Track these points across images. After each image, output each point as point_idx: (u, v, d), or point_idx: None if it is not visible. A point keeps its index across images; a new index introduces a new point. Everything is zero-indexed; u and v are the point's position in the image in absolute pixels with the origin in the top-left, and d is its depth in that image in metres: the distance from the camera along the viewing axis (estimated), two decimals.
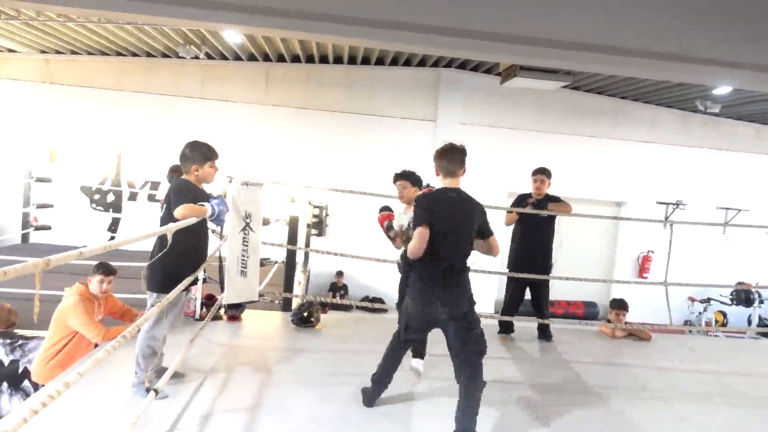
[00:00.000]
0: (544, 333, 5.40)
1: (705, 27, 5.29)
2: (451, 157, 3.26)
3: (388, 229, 4.54)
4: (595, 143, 10.89)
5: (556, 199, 5.31)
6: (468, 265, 3.19)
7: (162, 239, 3.16)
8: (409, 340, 3.39)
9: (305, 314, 4.98)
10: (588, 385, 4.29)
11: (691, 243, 10.69)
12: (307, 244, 8.99)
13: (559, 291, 10.84)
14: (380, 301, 10.00)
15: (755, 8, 5.16)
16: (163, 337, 3.37)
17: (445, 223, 3.09)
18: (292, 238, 5.58)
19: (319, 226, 9.73)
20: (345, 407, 3.49)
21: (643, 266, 10.71)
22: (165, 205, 3.37)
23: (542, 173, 5.30)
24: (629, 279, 10.69)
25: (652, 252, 10.84)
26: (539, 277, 5.13)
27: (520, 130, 10.63)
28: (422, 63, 10.29)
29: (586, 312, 10.68)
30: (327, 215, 10.14)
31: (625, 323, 5.83)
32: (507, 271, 5.36)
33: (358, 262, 9.98)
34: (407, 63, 10.35)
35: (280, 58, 10.17)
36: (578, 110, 10.84)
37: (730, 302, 10.12)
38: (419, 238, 3.03)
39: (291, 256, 5.61)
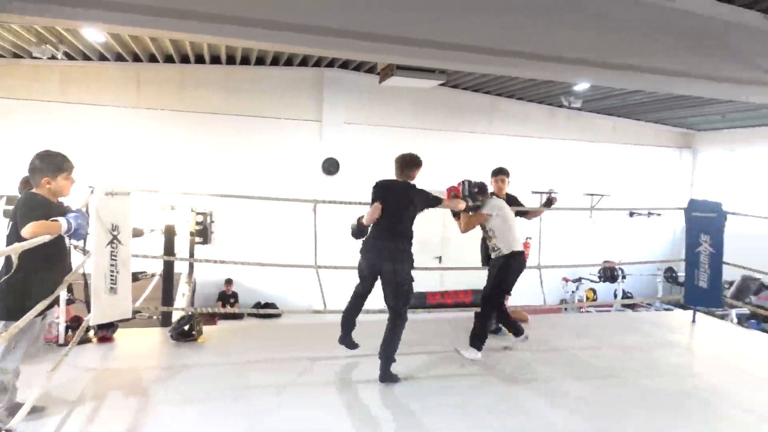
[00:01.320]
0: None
1: (566, 29, 5.73)
2: (400, 164, 4.38)
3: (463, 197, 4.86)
4: (473, 138, 11.40)
5: (515, 198, 5.79)
6: (405, 234, 4.20)
7: (8, 261, 2.84)
8: (362, 283, 4.34)
9: (186, 328, 4.73)
10: (473, 369, 4.47)
11: (563, 228, 11.55)
12: (191, 254, 8.57)
13: (447, 281, 11.24)
14: (273, 306, 9.80)
15: (607, 14, 5.66)
16: (14, 369, 3.03)
17: (389, 203, 4.24)
18: (170, 248, 5.28)
19: (203, 233, 9.30)
20: (229, 423, 3.36)
21: (526, 251, 11.42)
22: (11, 223, 3.03)
23: (502, 173, 5.74)
24: None
25: (530, 238, 11.56)
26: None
27: (403, 127, 10.87)
28: (304, 63, 10.18)
29: (473, 300, 11.15)
30: (212, 222, 9.73)
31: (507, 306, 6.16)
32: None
33: (248, 268, 9.69)
34: (288, 63, 10.19)
35: (152, 58, 9.59)
36: (456, 107, 11.29)
37: (598, 279, 11.07)
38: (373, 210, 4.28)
39: (169, 267, 5.31)
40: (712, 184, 12.84)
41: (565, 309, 10.21)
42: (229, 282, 10.06)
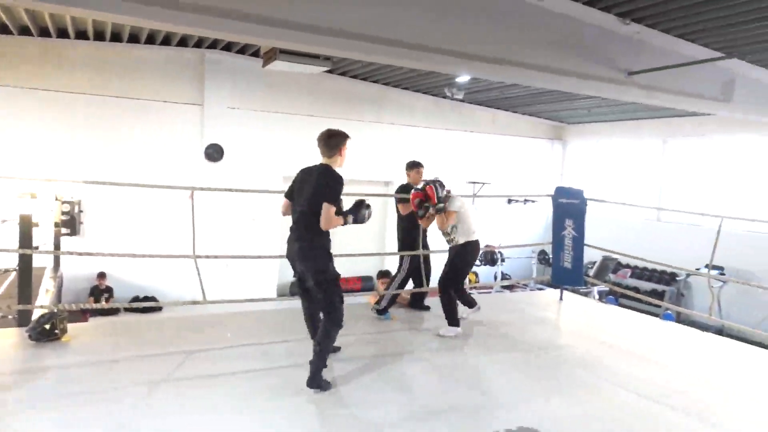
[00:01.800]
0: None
1: (448, 21, 5.90)
2: (322, 139, 3.82)
3: (418, 207, 5.30)
4: (362, 127, 11.49)
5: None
6: (312, 229, 3.65)
7: None
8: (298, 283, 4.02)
9: (47, 326, 4.32)
10: (363, 353, 4.53)
11: None
12: (57, 246, 7.85)
13: (337, 269, 11.29)
14: (152, 299, 9.26)
15: (487, 10, 5.90)
16: None
17: (296, 190, 3.84)
18: (26, 241, 4.78)
19: (71, 224, 8.54)
20: (93, 427, 3.12)
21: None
22: None
23: (420, 165, 5.94)
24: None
25: None
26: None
27: (290, 114, 10.69)
28: (183, 43, 9.63)
29: (363, 285, 11.32)
30: (81, 211, 8.96)
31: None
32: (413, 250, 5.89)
33: (124, 261, 9.09)
34: (166, 42, 9.58)
35: (4, 30, 8.58)
36: (345, 95, 11.30)
37: (479, 263, 11.68)
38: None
39: (26, 261, 4.81)
40: (579, 173, 14.00)
41: None
42: (101, 276, 9.36)
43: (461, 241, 5.23)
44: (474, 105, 12.83)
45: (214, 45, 9.69)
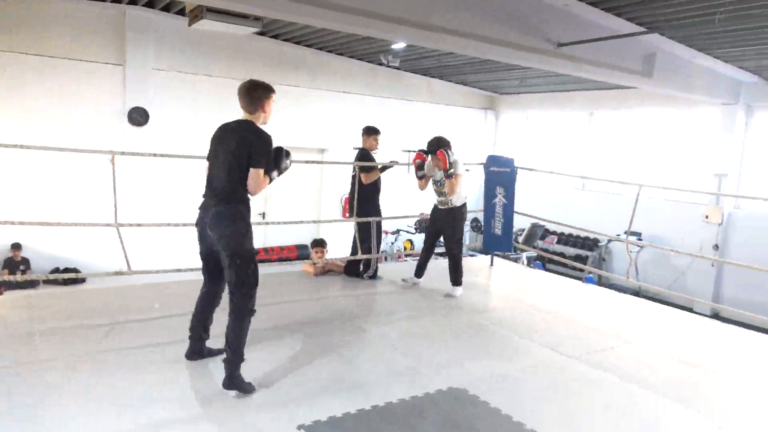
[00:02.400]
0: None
1: None
2: (242, 92, 3.36)
3: (418, 168, 5.52)
4: (296, 92, 11.21)
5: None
6: (233, 194, 3.25)
7: None
8: (204, 267, 3.52)
9: None
10: (296, 320, 4.51)
11: (383, 182, 12.06)
12: None
13: (272, 238, 11.14)
14: (74, 271, 8.81)
15: None
16: None
17: (212, 151, 3.40)
18: None
19: None
20: (6, 402, 2.96)
21: (345, 207, 11.66)
22: None
23: (378, 132, 6.09)
24: (334, 219, 11.53)
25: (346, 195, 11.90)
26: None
27: (219, 77, 10.26)
28: None
29: (299, 254, 11.23)
30: None
31: (325, 259, 6.29)
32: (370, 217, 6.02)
33: (42, 231, 8.55)
34: None
35: None
36: (277, 59, 10.95)
37: (414, 231, 11.84)
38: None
39: None
40: (511, 143, 14.35)
41: (386, 259, 10.78)
42: (16, 247, 8.80)
43: (458, 203, 5.47)
44: (410, 73, 12.79)
45: (135, 1, 9.10)
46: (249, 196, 3.29)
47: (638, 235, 10.26)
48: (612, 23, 7.07)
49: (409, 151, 12.63)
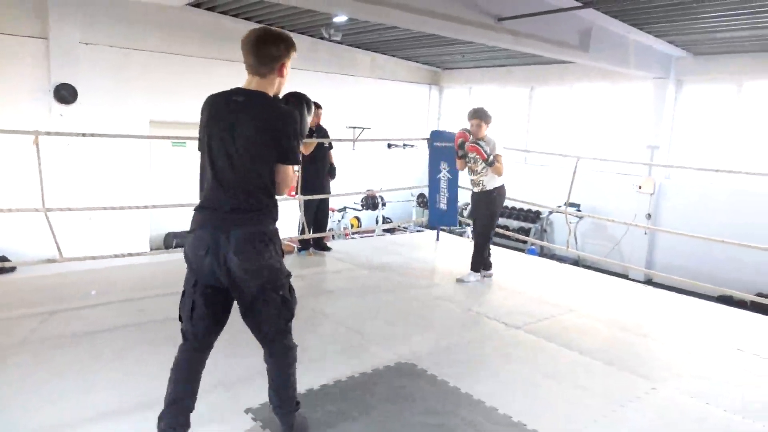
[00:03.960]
0: (323, 246, 6.42)
1: None
2: (254, 45, 2.29)
3: (459, 147, 5.25)
4: (235, 68, 10.75)
5: (324, 129, 6.26)
6: (265, 204, 2.28)
7: None
8: (195, 309, 2.33)
9: None
10: None
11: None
12: None
13: None
14: (2, 259, 8.32)
15: None
16: None
17: (205, 139, 2.29)
18: None
19: None
20: None
21: (292, 187, 11.55)
22: None
23: (319, 107, 5.84)
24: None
25: (297, 171, 11.73)
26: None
27: (153, 52, 9.78)
28: None
29: None
30: None
31: None
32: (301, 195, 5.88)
33: None
34: None
35: None
36: (215, 33, 10.52)
37: (361, 208, 11.83)
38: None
39: None
40: (456, 118, 14.45)
41: (333, 237, 10.72)
42: None
43: (490, 186, 5.20)
44: (353, 48, 12.60)
45: None
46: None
47: (577, 206, 10.62)
48: None
49: (354, 128, 12.56)
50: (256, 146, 2.21)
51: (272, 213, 2.32)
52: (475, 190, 5.34)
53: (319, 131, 6.14)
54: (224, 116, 2.26)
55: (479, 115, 5.19)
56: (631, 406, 3.20)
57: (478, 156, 5.10)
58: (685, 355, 4.01)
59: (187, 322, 2.35)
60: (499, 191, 5.28)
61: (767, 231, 8.20)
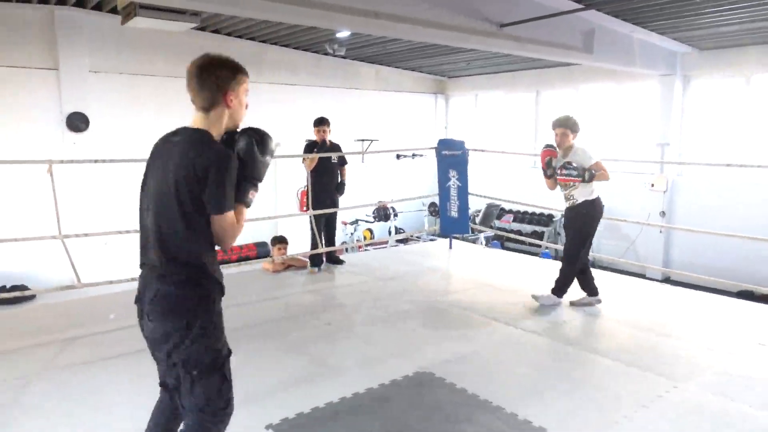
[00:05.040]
0: (336, 259, 6.41)
1: None
2: (191, 77, 2.03)
3: (547, 166, 4.77)
4: None
5: (338, 145, 6.23)
6: (187, 255, 1.98)
7: None
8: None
9: None
10: (261, 317, 4.45)
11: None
12: None
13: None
14: (22, 288, 8.44)
15: None
16: None
17: (147, 184, 2.07)
18: None
19: None
20: None
21: (302, 201, 11.54)
22: None
23: (324, 123, 6.05)
24: (289, 213, 11.43)
25: (306, 186, 11.80)
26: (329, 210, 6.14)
27: (160, 76, 9.94)
28: None
29: (259, 252, 11.09)
30: None
31: (286, 255, 6.23)
32: (311, 210, 5.94)
33: None
34: None
35: None
36: (223, 55, 10.68)
37: (373, 220, 11.84)
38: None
39: None
40: (463, 126, 14.49)
41: (346, 250, 10.75)
42: None
43: (580, 199, 4.65)
44: (357, 61, 12.71)
45: (63, 1, 8.69)
46: (213, 251, 2.07)
47: None
48: (551, 2, 7.18)
49: (362, 140, 12.62)
50: (176, 194, 1.92)
51: (197, 273, 1.99)
52: (567, 205, 4.79)
53: (326, 147, 6.13)
54: (158, 158, 2.05)
55: (564, 124, 4.68)
56: (653, 406, 3.16)
57: (573, 182, 4.58)
58: (706, 352, 3.95)
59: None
60: (590, 206, 4.66)
61: None
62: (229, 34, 10.55)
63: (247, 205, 2.06)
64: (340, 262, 6.45)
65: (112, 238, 8.25)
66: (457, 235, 7.55)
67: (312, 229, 6.05)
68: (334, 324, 4.48)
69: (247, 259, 10.55)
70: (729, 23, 8.05)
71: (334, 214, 6.35)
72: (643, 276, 8.09)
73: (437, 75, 14.45)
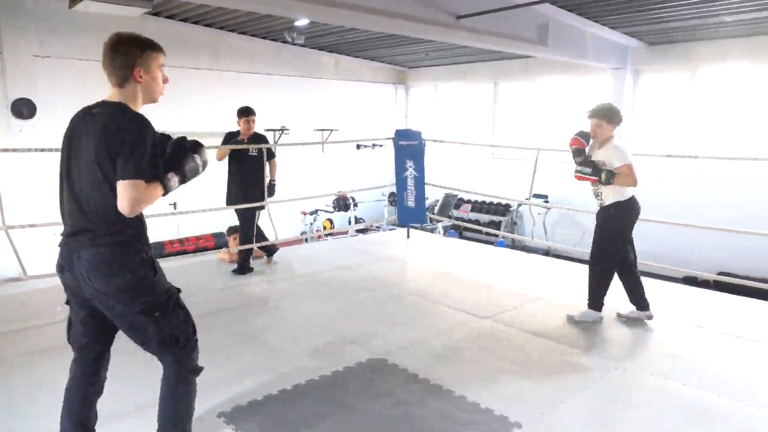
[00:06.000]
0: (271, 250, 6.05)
1: None
2: (104, 56, 2.16)
3: (575, 155, 4.26)
4: (199, 75, 10.77)
5: (263, 137, 5.69)
6: (116, 220, 2.08)
7: None
8: (82, 326, 2.28)
9: None
10: (216, 307, 4.42)
11: (297, 163, 11.96)
12: None
13: (185, 228, 10.77)
14: None
15: None
16: None
17: (65, 155, 2.21)
18: None
19: None
20: None
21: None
22: None
23: (250, 113, 5.57)
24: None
25: (267, 176, 11.69)
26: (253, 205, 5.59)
27: None
28: None
29: (216, 242, 10.94)
30: None
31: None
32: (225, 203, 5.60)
33: None
34: None
35: None
36: (176, 40, 10.42)
37: (333, 210, 11.84)
38: None
39: None
40: (422, 116, 14.58)
41: (306, 240, 10.73)
42: None
43: (608, 201, 4.14)
44: (317, 50, 12.62)
45: None
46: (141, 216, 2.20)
47: (545, 197, 10.82)
48: None
49: (322, 130, 12.57)
50: (99, 162, 2.04)
51: (124, 233, 2.13)
52: (597, 203, 4.28)
53: (254, 140, 5.62)
54: (80, 130, 2.16)
55: (599, 114, 4.14)
56: (595, 386, 3.31)
57: (590, 182, 4.17)
58: (648, 334, 4.15)
59: (68, 337, 2.34)
60: (621, 208, 4.14)
61: (726, 212, 8.51)
62: (184, 20, 10.29)
63: (166, 188, 2.14)
64: (275, 250, 6.08)
65: (60, 229, 8.03)
66: (416, 225, 7.64)
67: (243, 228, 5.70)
68: (289, 312, 4.49)
69: (205, 249, 10.39)
70: (675, 19, 8.36)
71: (253, 211, 5.63)
72: None
73: (397, 65, 14.48)
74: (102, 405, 2.41)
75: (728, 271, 8.51)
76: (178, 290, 2.30)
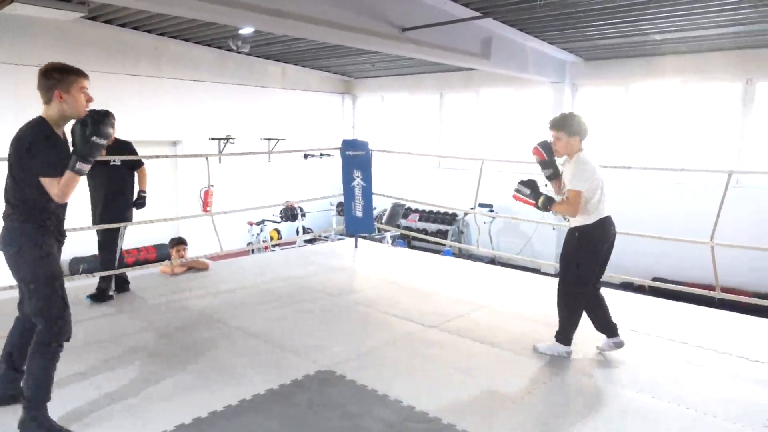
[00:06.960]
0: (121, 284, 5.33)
1: None
2: (37, 78, 2.73)
3: (541, 167, 3.95)
4: (139, 82, 10.46)
5: (125, 143, 4.96)
6: (22, 205, 2.71)
7: None
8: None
9: None
10: (154, 325, 4.27)
11: (243, 173, 11.78)
12: None
13: (128, 240, 10.37)
14: None
15: None
16: None
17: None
18: None
19: None
20: None
21: (206, 200, 11.18)
22: None
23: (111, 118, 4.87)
24: (193, 214, 11.04)
25: (213, 186, 11.41)
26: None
27: None
28: None
29: (158, 255, 10.61)
30: None
31: (186, 258, 6.02)
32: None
33: None
34: None
35: None
36: (116, 46, 10.11)
37: (280, 219, 11.70)
38: None
39: None
40: (370, 126, 14.66)
41: (252, 251, 10.54)
42: None
43: (574, 223, 3.77)
44: (263, 59, 12.48)
45: None
46: (48, 206, 2.71)
47: (490, 206, 11.07)
48: (451, 9, 7.46)
49: (269, 139, 12.42)
50: (10, 160, 2.71)
51: (27, 215, 2.71)
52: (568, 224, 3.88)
53: (117, 148, 4.87)
54: None
55: (555, 124, 3.80)
56: (538, 391, 3.41)
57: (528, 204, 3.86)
58: (585, 339, 4.30)
59: None
60: (586, 234, 3.72)
61: (660, 220, 8.96)
62: (123, 25, 9.97)
63: (77, 173, 2.66)
64: (124, 289, 5.26)
65: None
66: (364, 235, 7.65)
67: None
68: (234, 326, 4.40)
69: (146, 262, 10.05)
70: (609, 37, 8.78)
71: (116, 231, 4.99)
72: (538, 271, 8.62)
73: (344, 75, 14.52)
74: (89, 404, 2.36)
75: (662, 276, 8.95)
76: (60, 276, 2.80)
